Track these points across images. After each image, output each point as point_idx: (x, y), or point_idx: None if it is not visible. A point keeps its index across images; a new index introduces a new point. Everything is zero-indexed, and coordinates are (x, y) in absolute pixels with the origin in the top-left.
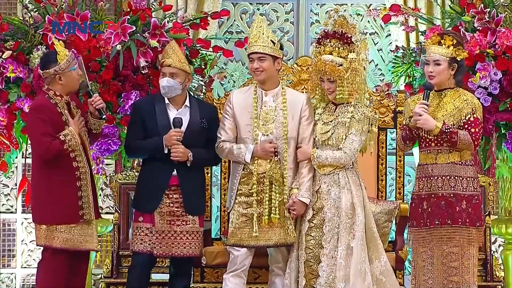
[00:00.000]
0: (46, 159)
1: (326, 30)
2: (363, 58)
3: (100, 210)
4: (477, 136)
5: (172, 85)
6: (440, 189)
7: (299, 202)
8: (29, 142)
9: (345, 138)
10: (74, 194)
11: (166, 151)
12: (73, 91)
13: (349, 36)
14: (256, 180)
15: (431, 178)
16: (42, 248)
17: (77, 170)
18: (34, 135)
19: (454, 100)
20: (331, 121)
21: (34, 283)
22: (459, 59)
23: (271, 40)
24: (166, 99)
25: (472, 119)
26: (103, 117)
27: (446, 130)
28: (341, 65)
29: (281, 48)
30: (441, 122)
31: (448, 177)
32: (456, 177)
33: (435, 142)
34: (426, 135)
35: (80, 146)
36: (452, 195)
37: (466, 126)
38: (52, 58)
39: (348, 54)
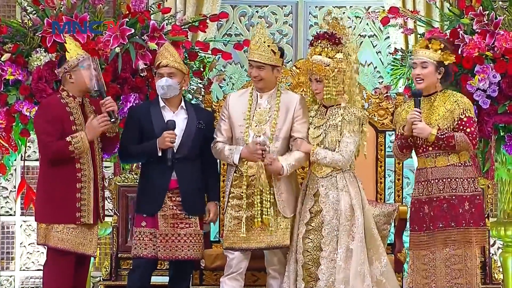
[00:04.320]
0: (48, 158)
1: (318, 32)
2: (353, 60)
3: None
4: (473, 136)
5: (170, 84)
6: (441, 191)
7: (278, 163)
8: (28, 144)
9: (339, 141)
10: (73, 195)
11: (160, 154)
12: (84, 90)
13: (338, 37)
14: (246, 182)
15: (431, 182)
16: (43, 249)
17: (79, 172)
18: (37, 133)
19: (444, 103)
20: (322, 125)
21: (33, 286)
22: (446, 63)
23: (271, 49)
24: (161, 102)
25: (465, 119)
26: (112, 120)
27: (442, 136)
28: (328, 65)
29: (282, 55)
30: (435, 128)
31: (448, 179)
32: (457, 179)
33: (433, 146)
34: (422, 141)
35: (88, 150)
36: (454, 197)
37: (460, 127)
38: (64, 57)
39: (335, 54)
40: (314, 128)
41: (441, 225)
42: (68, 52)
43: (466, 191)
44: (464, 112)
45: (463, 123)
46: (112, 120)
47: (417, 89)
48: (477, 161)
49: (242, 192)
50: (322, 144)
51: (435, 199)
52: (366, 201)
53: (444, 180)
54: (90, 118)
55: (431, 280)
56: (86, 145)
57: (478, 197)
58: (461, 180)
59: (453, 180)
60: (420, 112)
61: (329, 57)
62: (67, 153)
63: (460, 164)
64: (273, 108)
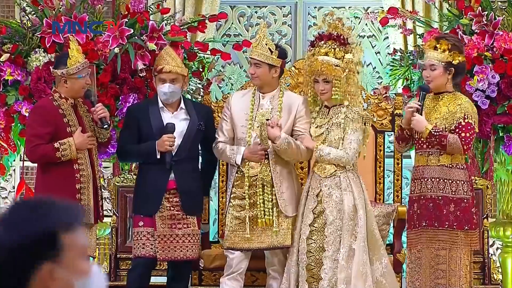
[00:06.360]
0: (33, 161)
1: (320, 33)
2: (357, 61)
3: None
4: (467, 141)
5: (173, 90)
6: (429, 191)
7: (278, 130)
8: None
9: (343, 139)
10: (72, 197)
11: (158, 156)
12: (76, 96)
13: (345, 37)
14: (248, 183)
15: (423, 180)
16: None
17: (78, 172)
18: (27, 134)
19: (449, 104)
20: (324, 124)
21: None
22: (455, 63)
23: (269, 48)
24: (160, 102)
25: (463, 123)
26: (105, 126)
27: (436, 133)
28: (337, 65)
29: (285, 56)
30: (432, 124)
31: (437, 179)
32: (446, 180)
33: (427, 144)
34: (418, 136)
35: (85, 150)
36: (440, 197)
37: (457, 130)
38: (63, 60)
39: (344, 55)
40: (316, 127)
41: (424, 224)
42: (69, 58)
43: (453, 193)
44: (465, 117)
45: (461, 126)
46: (105, 126)
47: (426, 84)
48: (476, 162)
49: (244, 193)
50: (325, 142)
51: (422, 197)
52: (369, 202)
53: (433, 179)
54: (79, 129)
55: (416, 279)
56: (73, 152)
57: (465, 200)
58: (450, 181)
59: (441, 180)
60: (421, 107)
61: (336, 58)
62: (54, 158)
63: (451, 166)
64: (275, 109)
